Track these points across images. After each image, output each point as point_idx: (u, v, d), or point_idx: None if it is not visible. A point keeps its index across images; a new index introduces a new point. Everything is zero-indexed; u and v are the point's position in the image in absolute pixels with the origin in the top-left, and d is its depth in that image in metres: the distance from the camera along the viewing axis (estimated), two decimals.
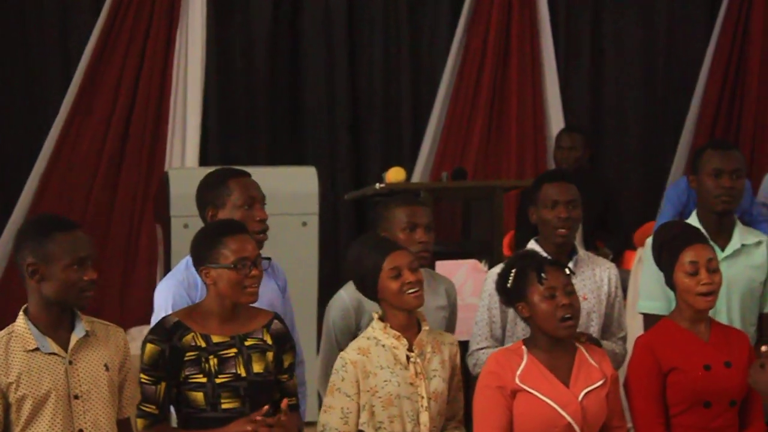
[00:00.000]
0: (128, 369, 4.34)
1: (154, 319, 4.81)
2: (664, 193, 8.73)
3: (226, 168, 5.37)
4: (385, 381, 4.54)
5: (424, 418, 4.56)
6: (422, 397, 4.57)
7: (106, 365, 4.21)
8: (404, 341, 4.60)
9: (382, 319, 4.66)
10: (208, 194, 5.04)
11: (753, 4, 10.34)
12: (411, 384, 4.56)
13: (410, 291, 4.56)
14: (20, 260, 4.12)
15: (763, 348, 4.41)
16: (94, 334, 4.22)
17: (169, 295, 4.85)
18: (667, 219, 8.35)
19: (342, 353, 4.64)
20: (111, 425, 4.22)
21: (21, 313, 4.15)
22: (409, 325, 4.65)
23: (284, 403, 4.34)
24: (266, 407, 4.28)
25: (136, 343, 9.01)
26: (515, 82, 9.84)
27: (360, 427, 4.57)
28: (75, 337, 4.15)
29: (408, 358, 4.59)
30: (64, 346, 4.13)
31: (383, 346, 4.60)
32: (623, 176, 10.37)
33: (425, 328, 4.68)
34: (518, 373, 4.54)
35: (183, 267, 4.97)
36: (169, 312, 4.68)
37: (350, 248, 4.89)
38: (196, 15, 9.17)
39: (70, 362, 4.12)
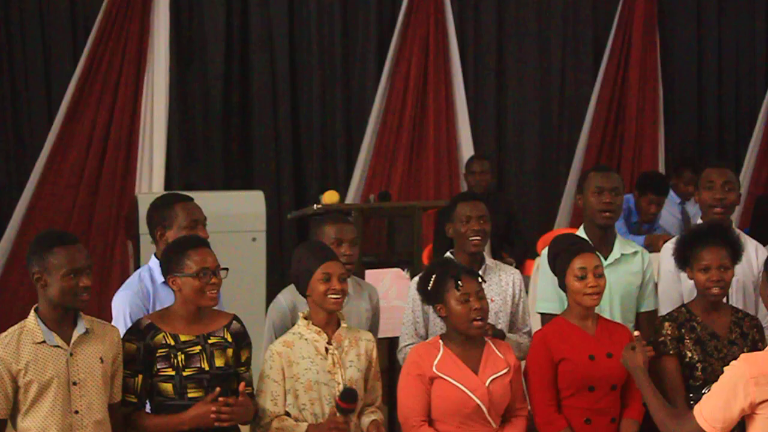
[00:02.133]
0: (120, 362, 4.38)
1: (114, 324, 4.78)
2: None
3: (172, 193, 5.37)
4: (306, 369, 4.59)
5: None
6: (339, 384, 4.61)
7: (101, 358, 4.25)
8: (324, 336, 4.65)
9: (306, 317, 4.70)
10: (157, 216, 5.05)
11: (630, 54, 10.49)
12: (329, 372, 4.61)
13: (333, 296, 4.62)
14: (29, 269, 4.19)
15: (636, 333, 4.54)
16: (92, 331, 4.27)
17: (126, 303, 4.86)
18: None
19: (270, 346, 4.71)
20: (102, 408, 4.25)
21: (32, 311, 4.21)
22: (330, 322, 4.71)
23: (242, 386, 4.39)
24: (218, 389, 4.33)
25: None
26: (432, 116, 9.90)
27: (287, 409, 4.60)
28: (76, 332, 4.20)
29: (327, 350, 4.63)
30: (67, 340, 4.19)
31: (306, 339, 4.65)
32: (523, 195, 10.43)
33: (344, 325, 4.74)
34: (435, 363, 4.61)
35: (137, 279, 4.99)
36: (127, 318, 4.75)
37: (297, 248, 4.92)
38: (161, 62, 9.15)
39: (71, 354, 4.17)
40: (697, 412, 3.82)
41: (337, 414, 4.50)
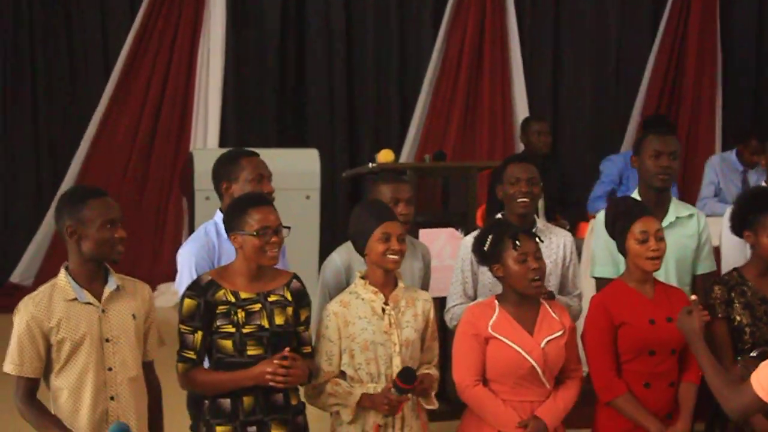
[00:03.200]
0: (152, 319, 4.41)
1: (178, 277, 4.88)
2: (601, 167, 8.75)
3: (239, 149, 5.38)
4: (362, 329, 4.58)
5: (397, 361, 4.59)
6: (395, 344, 4.60)
7: (133, 315, 4.26)
8: (381, 296, 4.63)
9: (363, 277, 4.69)
10: (223, 170, 5.07)
11: (689, 19, 10.35)
12: (385, 332, 4.59)
13: (392, 256, 4.60)
14: (60, 225, 4.18)
15: (693, 297, 4.47)
16: (123, 288, 4.27)
17: (192, 256, 4.87)
18: (604, 190, 8.46)
19: (327, 305, 4.70)
20: (137, 365, 4.28)
21: (62, 269, 4.20)
22: (387, 282, 4.68)
23: (286, 350, 4.34)
24: (286, 350, 4.33)
25: (166, 297, 9.11)
26: (487, 77, 9.87)
27: (342, 368, 4.61)
28: (108, 289, 4.21)
29: (383, 310, 4.61)
30: (98, 297, 4.19)
31: (362, 299, 4.64)
32: (577, 158, 10.37)
33: (401, 285, 4.72)
34: (491, 323, 4.57)
35: (203, 233, 4.99)
36: (192, 271, 4.75)
37: (355, 207, 4.89)
38: (217, 21, 9.20)
39: (103, 311, 4.18)
40: (755, 380, 3.72)
41: (393, 391, 4.48)
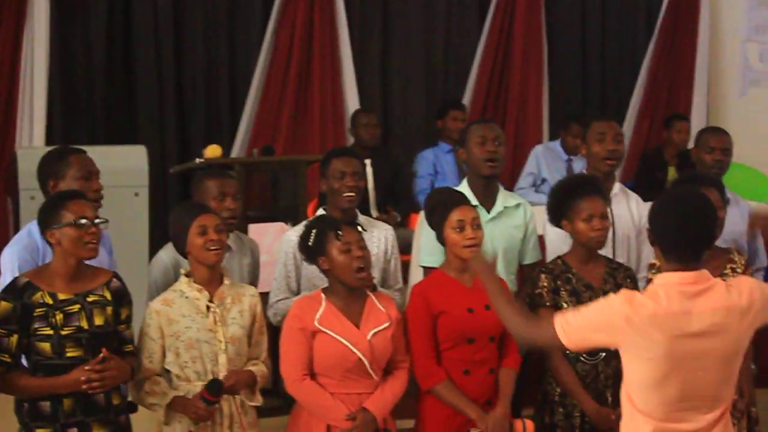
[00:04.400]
0: None
1: (2, 280, 4.77)
2: (415, 165, 8.84)
3: (65, 146, 5.31)
4: (187, 327, 4.57)
5: (223, 359, 4.59)
6: (220, 342, 4.59)
7: None
8: (205, 293, 4.62)
9: (188, 275, 4.66)
10: (49, 168, 5.01)
11: (515, 9, 10.52)
12: (210, 330, 4.58)
13: (212, 248, 4.58)
14: None
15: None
16: None
17: (15, 258, 4.79)
18: (426, 184, 8.56)
19: (150, 303, 4.66)
20: None
21: None
22: (212, 280, 4.67)
23: (104, 352, 4.29)
24: (103, 351, 4.27)
25: None
26: (317, 71, 9.81)
27: (168, 366, 4.58)
28: None
29: (208, 308, 4.59)
30: None
31: (186, 297, 4.61)
32: (409, 151, 10.40)
33: (227, 282, 4.71)
34: (317, 316, 4.59)
35: (26, 233, 4.92)
36: (15, 272, 4.65)
37: (172, 210, 4.88)
38: (41, 13, 8.96)
39: None
40: (559, 324, 3.74)
41: (201, 401, 4.48)
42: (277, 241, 6.04)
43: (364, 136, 8.70)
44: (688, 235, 3.68)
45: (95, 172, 5.03)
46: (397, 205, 8.67)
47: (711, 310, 3.63)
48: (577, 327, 3.71)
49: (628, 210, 5.51)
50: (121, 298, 4.49)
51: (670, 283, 3.65)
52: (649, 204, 5.57)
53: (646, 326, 3.58)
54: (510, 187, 8.86)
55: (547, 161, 9.03)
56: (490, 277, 4.17)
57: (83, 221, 4.30)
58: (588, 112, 10.52)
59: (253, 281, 5.38)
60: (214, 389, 4.46)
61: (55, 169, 4.97)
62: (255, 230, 6.31)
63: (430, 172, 8.67)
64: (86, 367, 4.24)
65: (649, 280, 5.17)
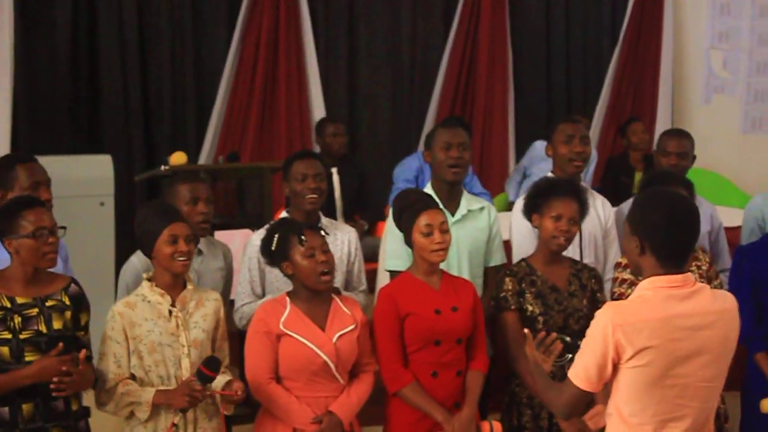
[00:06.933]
0: None
1: None
2: (395, 173, 8.83)
3: (13, 154, 5.24)
4: (149, 331, 4.50)
5: (186, 363, 4.52)
6: (183, 345, 4.52)
7: None
8: (168, 298, 4.56)
9: (150, 279, 4.61)
10: None
11: (480, 18, 10.53)
12: (172, 334, 4.51)
13: (180, 258, 4.52)
14: None
15: (525, 330, 4.27)
16: None
17: None
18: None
19: (112, 306, 4.58)
20: None
21: None
22: (176, 284, 4.61)
23: (82, 353, 4.27)
24: (61, 344, 4.22)
25: None
26: (283, 79, 9.80)
27: (132, 370, 4.52)
28: None
29: (170, 312, 4.54)
30: None
31: (149, 301, 4.55)
32: (375, 158, 10.40)
33: (190, 287, 4.65)
34: (282, 320, 4.56)
35: None
36: None
37: (140, 209, 4.80)
38: (4, 22, 8.87)
39: None
40: (572, 374, 3.70)
41: (196, 380, 4.38)
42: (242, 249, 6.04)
43: (332, 146, 8.66)
44: (679, 239, 3.65)
45: (45, 182, 4.93)
46: (363, 213, 8.65)
47: (702, 312, 3.60)
48: (584, 367, 3.65)
49: (595, 211, 5.51)
50: (80, 303, 4.43)
51: (658, 287, 3.61)
52: (615, 208, 5.65)
53: (640, 332, 3.54)
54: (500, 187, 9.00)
55: (532, 160, 9.12)
56: (538, 367, 4.06)
57: (41, 232, 4.25)
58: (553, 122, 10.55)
59: (227, 286, 5.36)
60: (213, 365, 4.38)
61: (2, 178, 4.88)
62: (220, 237, 6.26)
63: (410, 178, 8.63)
64: (52, 353, 4.19)
65: (615, 279, 5.18)
